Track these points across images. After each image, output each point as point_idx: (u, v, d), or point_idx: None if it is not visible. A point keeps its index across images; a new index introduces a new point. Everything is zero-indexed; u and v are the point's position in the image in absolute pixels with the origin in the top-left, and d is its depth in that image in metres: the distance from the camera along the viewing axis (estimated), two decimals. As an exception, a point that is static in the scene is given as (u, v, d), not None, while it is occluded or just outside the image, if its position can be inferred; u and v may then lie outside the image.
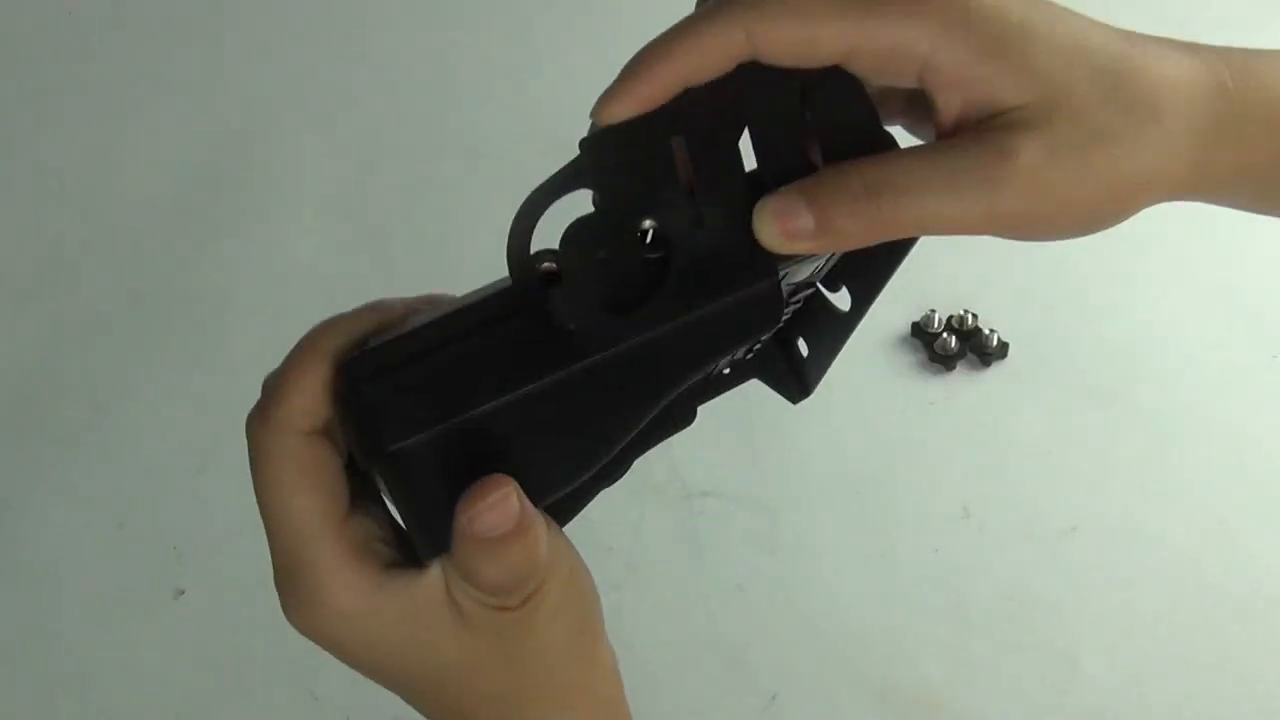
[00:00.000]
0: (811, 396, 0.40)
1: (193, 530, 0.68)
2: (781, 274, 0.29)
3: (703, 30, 0.27)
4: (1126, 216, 0.29)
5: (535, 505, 0.29)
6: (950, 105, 0.28)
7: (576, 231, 0.28)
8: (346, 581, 0.29)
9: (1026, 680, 0.63)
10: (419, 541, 0.29)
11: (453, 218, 0.87)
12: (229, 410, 0.82)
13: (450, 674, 0.30)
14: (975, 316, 0.77)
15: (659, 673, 0.62)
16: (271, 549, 0.30)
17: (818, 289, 0.39)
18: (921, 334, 0.78)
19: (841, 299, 0.39)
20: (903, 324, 0.78)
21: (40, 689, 0.62)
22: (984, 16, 0.27)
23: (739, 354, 0.35)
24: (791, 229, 0.27)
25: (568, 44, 1.04)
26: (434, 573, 0.29)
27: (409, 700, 0.32)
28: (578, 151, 0.28)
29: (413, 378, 0.28)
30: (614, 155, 0.28)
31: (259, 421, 0.29)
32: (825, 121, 0.28)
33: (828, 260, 0.34)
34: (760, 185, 0.28)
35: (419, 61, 1.01)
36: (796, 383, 0.43)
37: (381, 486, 0.30)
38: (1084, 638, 0.65)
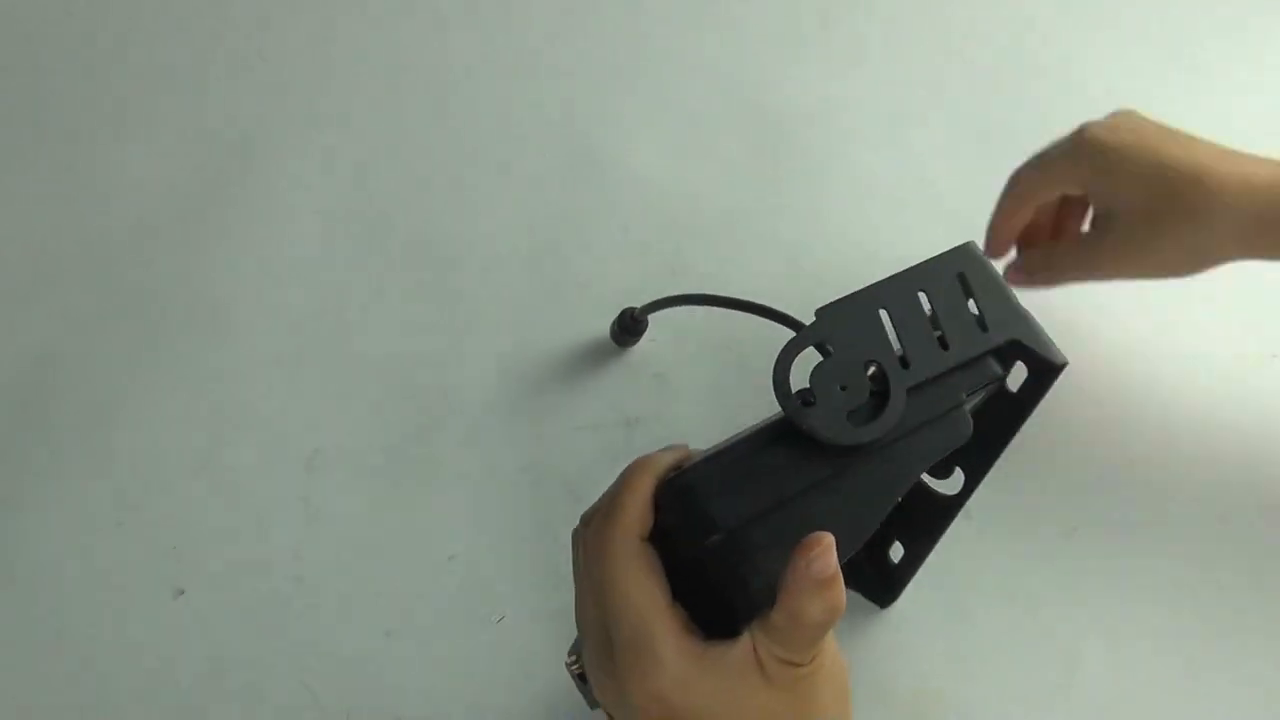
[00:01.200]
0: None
1: (193, 530, 0.68)
2: (967, 400, 0.42)
3: (1004, 204, 0.59)
4: (1197, 273, 0.54)
5: None
6: (1094, 207, 0.53)
7: (822, 371, 0.39)
8: (681, 649, 0.37)
9: (1026, 680, 0.63)
10: (744, 603, 0.37)
11: (453, 218, 0.87)
12: (229, 411, 0.82)
13: None
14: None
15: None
16: (617, 628, 0.37)
17: (921, 482, 0.53)
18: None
19: (949, 484, 0.55)
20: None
21: (40, 689, 0.62)
22: (1108, 158, 0.51)
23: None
24: (1016, 280, 0.51)
25: (568, 44, 1.04)
26: (744, 640, 0.37)
27: None
28: (811, 314, 0.41)
29: (728, 479, 0.38)
30: (844, 320, 0.40)
31: (603, 528, 0.38)
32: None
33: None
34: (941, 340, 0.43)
35: (419, 62, 1.01)
36: (884, 588, 0.61)
37: (698, 571, 0.38)
38: (1084, 637, 0.65)
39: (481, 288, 0.82)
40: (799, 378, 0.41)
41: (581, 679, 0.52)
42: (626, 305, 0.76)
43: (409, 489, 0.71)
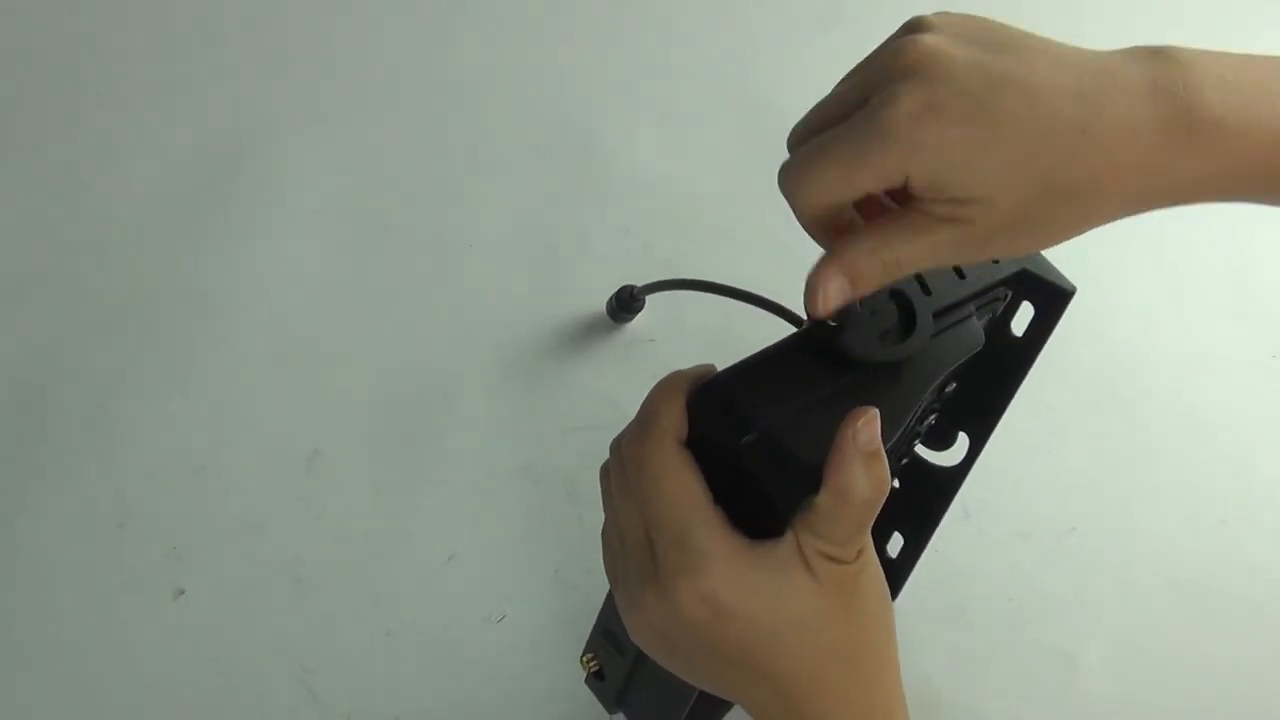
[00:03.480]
0: None
1: (193, 530, 0.68)
2: (975, 310, 0.45)
3: (801, 218, 0.40)
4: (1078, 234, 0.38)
5: None
6: (922, 193, 0.37)
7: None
8: (728, 545, 0.36)
9: (1026, 680, 0.63)
10: (785, 494, 0.37)
11: (453, 218, 0.87)
12: (229, 410, 0.82)
13: (805, 626, 0.37)
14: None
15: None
16: (662, 528, 0.37)
17: (920, 460, 0.55)
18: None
19: (947, 456, 0.55)
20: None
21: (40, 689, 0.62)
22: (931, 144, 0.35)
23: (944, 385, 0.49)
24: (838, 289, 0.39)
25: (568, 45, 1.04)
26: (788, 538, 0.37)
27: (761, 662, 0.37)
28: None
29: (760, 382, 0.38)
30: None
31: (640, 437, 0.38)
32: None
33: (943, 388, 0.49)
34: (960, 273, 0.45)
35: (418, 62, 1.01)
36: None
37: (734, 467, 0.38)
38: (1084, 638, 0.65)
39: (481, 288, 0.82)
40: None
41: (597, 677, 0.51)
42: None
43: (409, 489, 0.71)
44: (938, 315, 0.43)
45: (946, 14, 0.38)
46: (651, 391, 0.39)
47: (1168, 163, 0.36)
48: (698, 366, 0.40)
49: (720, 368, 0.40)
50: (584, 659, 0.51)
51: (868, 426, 0.36)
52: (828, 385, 0.39)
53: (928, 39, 0.36)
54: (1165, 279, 0.84)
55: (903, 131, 0.35)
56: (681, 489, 0.37)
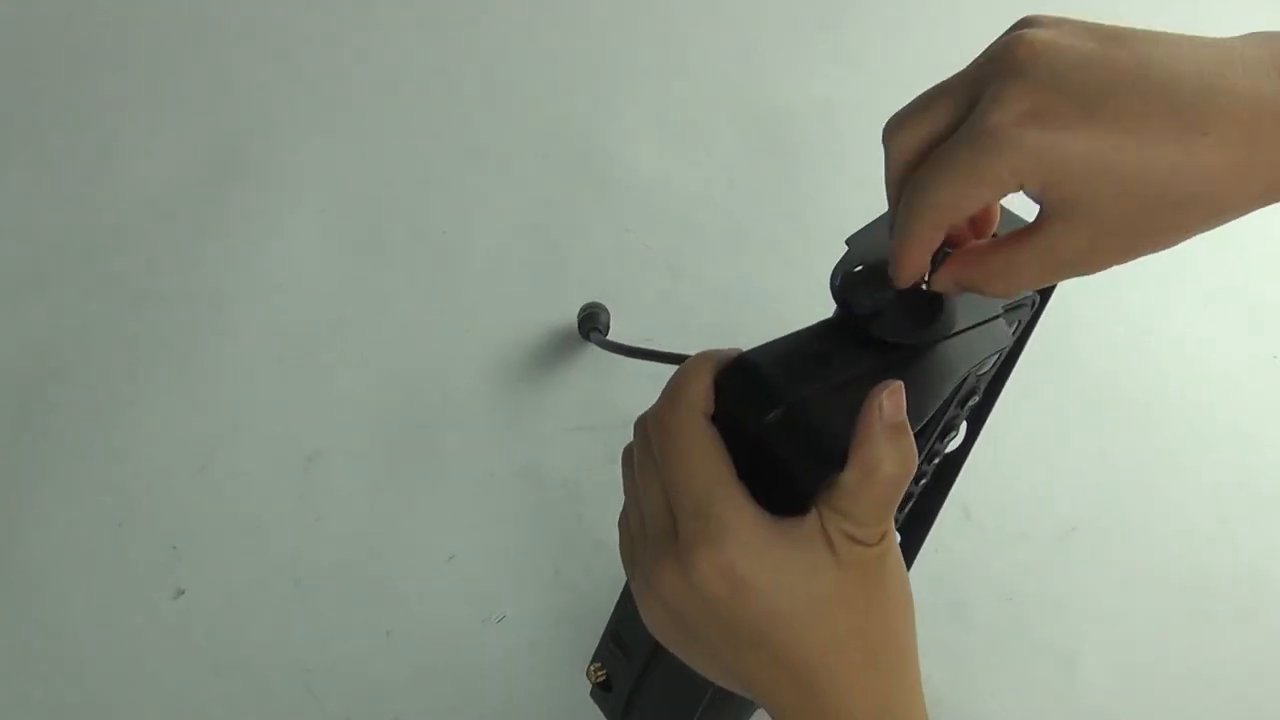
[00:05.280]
0: None
1: (193, 530, 0.68)
2: (1004, 312, 0.45)
3: (909, 237, 0.39)
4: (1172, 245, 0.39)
5: None
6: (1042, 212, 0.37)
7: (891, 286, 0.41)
8: (750, 517, 0.35)
9: (1026, 680, 0.63)
10: (809, 473, 0.36)
11: (454, 218, 0.87)
12: (229, 410, 0.82)
13: (825, 607, 0.36)
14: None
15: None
16: (684, 499, 0.36)
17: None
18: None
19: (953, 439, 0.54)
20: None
21: (40, 689, 0.62)
22: (1044, 152, 0.35)
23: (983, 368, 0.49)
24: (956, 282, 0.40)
25: (568, 45, 1.04)
26: (811, 516, 0.36)
27: (775, 643, 0.36)
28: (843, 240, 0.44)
29: (788, 360, 0.39)
30: (877, 244, 0.43)
31: (669, 409, 0.38)
32: None
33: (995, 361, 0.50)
34: None
35: (419, 61, 1.01)
36: None
37: (759, 445, 0.38)
38: (1084, 638, 0.65)
39: (482, 288, 0.82)
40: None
41: (604, 688, 0.50)
42: (625, 306, 0.76)
43: (409, 489, 0.71)
44: (963, 308, 0.43)
45: (1057, 17, 0.38)
46: (680, 368, 0.39)
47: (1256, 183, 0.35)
48: (728, 348, 0.40)
49: None
50: (590, 669, 0.50)
51: (892, 398, 0.35)
52: (856, 366, 0.39)
53: (1038, 34, 0.36)
54: (1166, 279, 0.84)
55: (1013, 138, 0.35)
56: (705, 460, 0.36)
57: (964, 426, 0.57)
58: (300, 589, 0.66)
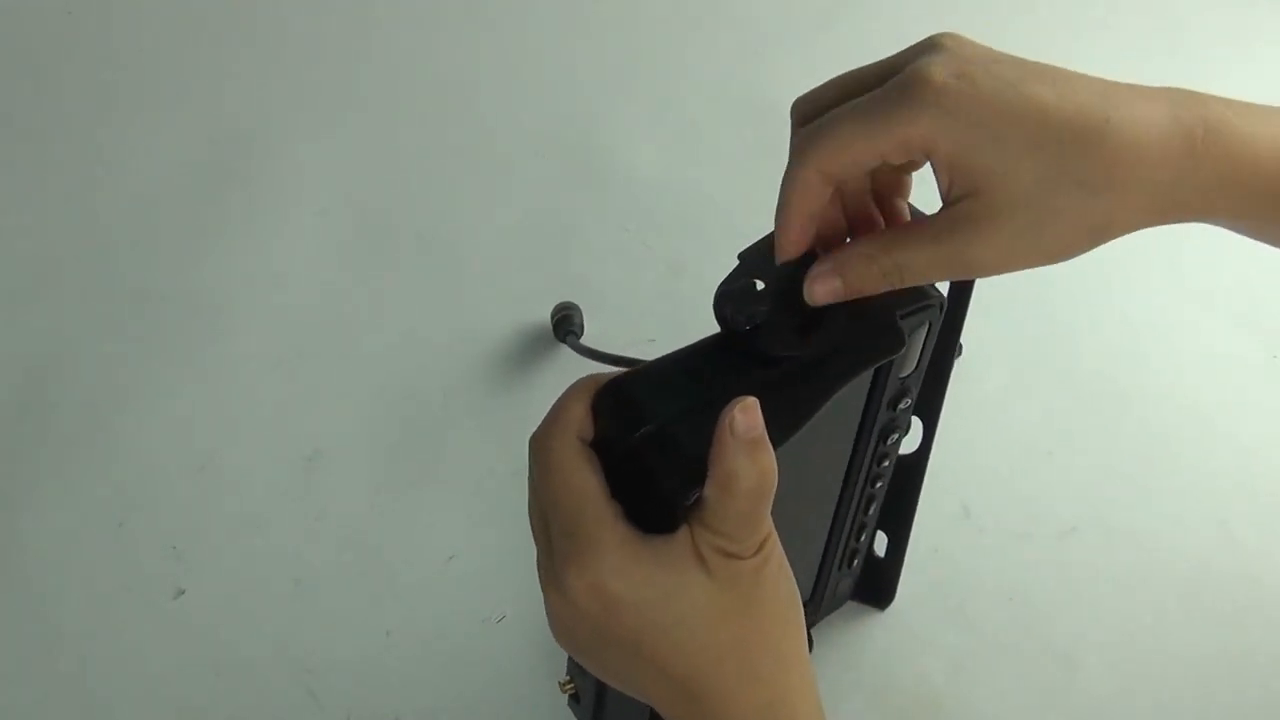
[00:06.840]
0: None
1: (193, 530, 0.68)
2: (902, 317, 0.44)
3: (794, 181, 0.39)
4: (1088, 250, 0.39)
5: None
6: (942, 180, 0.38)
7: (759, 298, 0.41)
8: (621, 537, 0.36)
9: (1026, 680, 0.63)
10: (676, 489, 0.37)
11: (453, 218, 0.87)
12: (229, 410, 0.82)
13: (698, 620, 0.36)
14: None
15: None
16: (556, 518, 0.37)
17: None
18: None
19: (907, 442, 0.55)
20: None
21: (40, 689, 0.62)
22: (964, 109, 0.36)
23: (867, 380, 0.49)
24: (828, 290, 0.40)
25: (568, 46, 1.04)
26: (682, 533, 0.36)
27: (655, 657, 0.37)
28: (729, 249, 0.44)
29: (660, 380, 0.39)
30: (767, 254, 0.43)
31: (546, 434, 0.38)
32: None
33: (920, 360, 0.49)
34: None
35: (420, 62, 1.01)
36: (878, 587, 0.64)
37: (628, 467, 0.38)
38: (1084, 638, 0.65)
39: (482, 288, 0.82)
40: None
41: (575, 700, 0.51)
42: (625, 306, 0.76)
43: (409, 489, 0.71)
44: (852, 316, 0.42)
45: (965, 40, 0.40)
46: (563, 392, 0.39)
47: (1186, 165, 0.37)
48: (612, 370, 0.41)
49: None
50: (562, 683, 0.50)
51: (745, 414, 0.35)
52: (731, 383, 0.39)
53: (957, 35, 0.39)
54: (1165, 279, 0.84)
55: (934, 97, 0.36)
56: (574, 481, 0.37)
57: (917, 425, 0.56)
58: (300, 589, 0.66)
